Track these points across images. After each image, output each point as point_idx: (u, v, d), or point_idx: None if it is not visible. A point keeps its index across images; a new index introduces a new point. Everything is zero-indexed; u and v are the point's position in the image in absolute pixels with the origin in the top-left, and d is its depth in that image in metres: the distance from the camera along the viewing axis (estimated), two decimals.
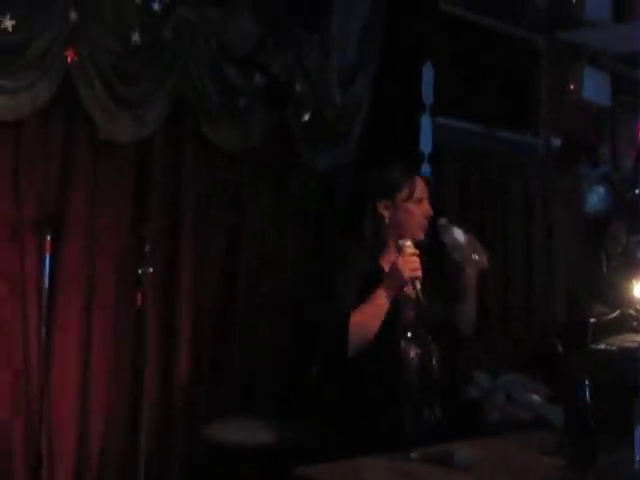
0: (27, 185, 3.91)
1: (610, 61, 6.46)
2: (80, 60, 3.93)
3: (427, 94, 5.19)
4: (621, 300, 5.96)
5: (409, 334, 3.22)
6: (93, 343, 4.11)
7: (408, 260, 3.10)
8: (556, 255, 6.12)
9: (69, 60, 3.91)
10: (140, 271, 4.02)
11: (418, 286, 3.08)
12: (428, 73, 5.18)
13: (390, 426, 3.17)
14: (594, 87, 6.33)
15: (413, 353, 3.21)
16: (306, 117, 4.76)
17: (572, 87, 6.26)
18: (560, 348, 5.85)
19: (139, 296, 4.04)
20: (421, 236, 3.27)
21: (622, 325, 5.82)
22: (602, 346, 5.62)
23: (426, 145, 5.17)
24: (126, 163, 4.25)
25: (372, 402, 3.18)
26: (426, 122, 5.18)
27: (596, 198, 6.35)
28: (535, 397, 5.41)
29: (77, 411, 4.07)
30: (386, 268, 3.22)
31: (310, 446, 3.57)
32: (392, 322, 3.13)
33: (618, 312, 5.89)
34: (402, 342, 3.21)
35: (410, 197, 3.29)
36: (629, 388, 3.10)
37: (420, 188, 3.32)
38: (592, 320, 5.83)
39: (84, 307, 4.09)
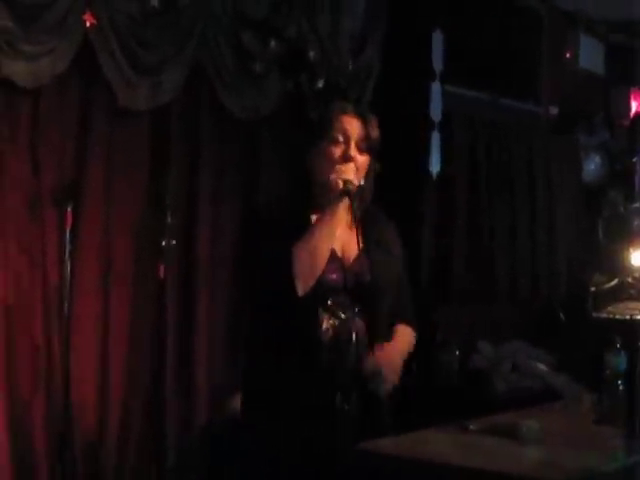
0: (45, 154, 3.79)
1: (604, 30, 6.45)
2: (99, 25, 3.81)
3: (437, 61, 5.11)
4: (619, 268, 5.98)
5: (329, 301, 2.67)
6: (112, 315, 4.01)
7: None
8: (557, 222, 6.10)
9: (88, 25, 3.78)
10: (163, 243, 3.93)
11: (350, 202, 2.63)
12: (438, 40, 5.10)
13: (305, 408, 2.64)
14: (589, 55, 6.31)
15: (327, 324, 2.67)
16: (320, 84, 4.67)
17: (568, 55, 6.24)
18: (562, 316, 5.88)
19: (161, 269, 3.96)
20: (336, 186, 2.65)
21: (621, 293, 5.85)
22: (604, 315, 5.66)
23: (436, 112, 5.09)
24: (143, 130, 4.14)
25: (287, 375, 2.67)
26: (436, 89, 5.10)
27: (593, 166, 6.34)
28: (540, 366, 5.40)
29: (97, 384, 3.98)
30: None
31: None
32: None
33: (617, 280, 5.92)
34: (319, 309, 2.67)
35: (326, 137, 2.71)
36: None
37: (343, 128, 2.70)
38: (592, 289, 5.87)
39: (102, 279, 3.98)
